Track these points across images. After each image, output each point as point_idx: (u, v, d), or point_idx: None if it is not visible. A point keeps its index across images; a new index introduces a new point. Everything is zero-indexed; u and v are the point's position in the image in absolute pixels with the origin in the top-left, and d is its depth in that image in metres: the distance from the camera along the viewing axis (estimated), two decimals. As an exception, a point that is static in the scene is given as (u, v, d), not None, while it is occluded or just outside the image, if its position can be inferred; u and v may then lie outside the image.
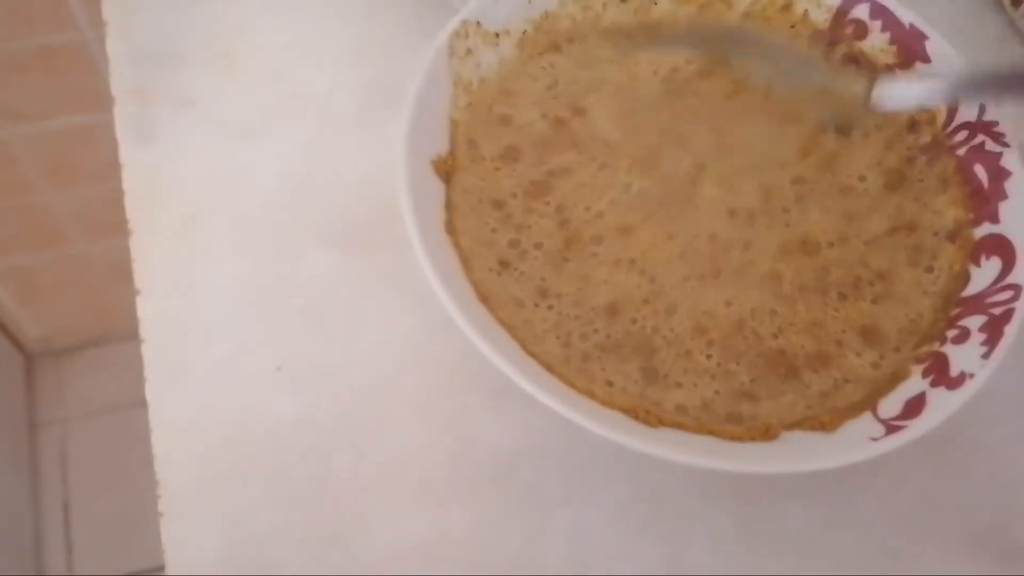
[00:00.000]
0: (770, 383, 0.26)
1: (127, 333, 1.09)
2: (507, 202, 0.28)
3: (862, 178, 0.29)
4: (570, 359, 0.26)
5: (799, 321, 0.27)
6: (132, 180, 0.31)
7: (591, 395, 0.25)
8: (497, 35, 0.30)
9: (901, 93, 0.28)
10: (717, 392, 0.25)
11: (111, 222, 0.91)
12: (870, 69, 0.31)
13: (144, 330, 0.29)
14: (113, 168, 0.86)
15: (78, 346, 1.08)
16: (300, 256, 0.31)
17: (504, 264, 0.27)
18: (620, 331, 0.26)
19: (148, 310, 0.30)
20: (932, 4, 0.37)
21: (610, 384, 0.25)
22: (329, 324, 0.30)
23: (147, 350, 0.29)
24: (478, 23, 0.29)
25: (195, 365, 0.29)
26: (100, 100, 0.77)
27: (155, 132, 0.32)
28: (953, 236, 0.28)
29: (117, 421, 1.06)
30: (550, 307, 0.27)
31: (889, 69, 0.30)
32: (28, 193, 0.85)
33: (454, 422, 0.29)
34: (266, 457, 0.28)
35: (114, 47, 0.33)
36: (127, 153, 0.32)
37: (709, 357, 0.26)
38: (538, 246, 0.27)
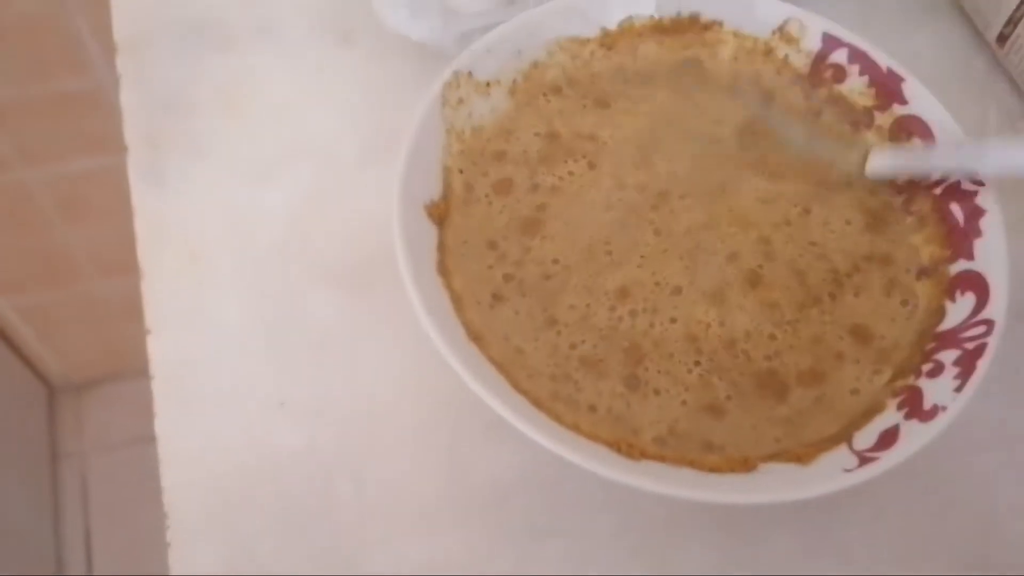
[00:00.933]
0: (749, 401, 0.27)
1: (144, 368, 1.11)
2: (499, 242, 0.29)
3: (848, 222, 0.30)
4: (557, 393, 0.27)
5: (800, 342, 0.28)
6: (143, 224, 0.33)
7: (577, 429, 0.26)
8: (488, 84, 0.31)
9: (894, 163, 0.29)
10: (684, 403, 0.26)
11: (125, 261, 0.92)
12: (850, 111, 0.32)
13: (154, 367, 0.31)
14: (127, 208, 0.88)
15: (97, 380, 1.10)
16: (303, 295, 0.32)
17: (497, 297, 0.28)
18: (611, 333, 0.28)
19: (158, 349, 0.31)
20: (920, 43, 0.39)
21: (593, 410, 0.26)
22: (331, 360, 0.31)
23: (157, 386, 0.31)
24: (469, 73, 0.30)
25: (203, 400, 0.30)
26: (115, 143, 0.79)
27: (166, 178, 0.34)
28: (930, 272, 0.29)
29: (135, 453, 1.07)
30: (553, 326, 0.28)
31: (867, 112, 0.31)
32: (45, 232, 0.88)
33: (449, 453, 0.30)
34: (270, 487, 0.29)
35: (128, 97, 0.35)
36: (139, 198, 0.33)
37: (697, 364, 0.27)
38: (531, 276, 0.29)
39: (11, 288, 0.93)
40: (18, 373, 1.02)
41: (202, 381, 0.31)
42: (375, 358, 0.31)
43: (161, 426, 0.30)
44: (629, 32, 0.32)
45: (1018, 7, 0.36)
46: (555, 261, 0.29)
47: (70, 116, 0.75)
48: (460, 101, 0.30)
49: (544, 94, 0.32)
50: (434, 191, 0.29)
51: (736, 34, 0.33)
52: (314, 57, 0.37)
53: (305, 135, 0.35)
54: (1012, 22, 0.36)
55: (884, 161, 0.30)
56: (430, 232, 0.29)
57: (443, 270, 0.28)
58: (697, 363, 0.27)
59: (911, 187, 0.30)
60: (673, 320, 0.28)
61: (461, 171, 0.30)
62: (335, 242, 0.33)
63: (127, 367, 1.10)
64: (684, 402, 0.27)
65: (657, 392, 0.27)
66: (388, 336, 0.31)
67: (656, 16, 0.32)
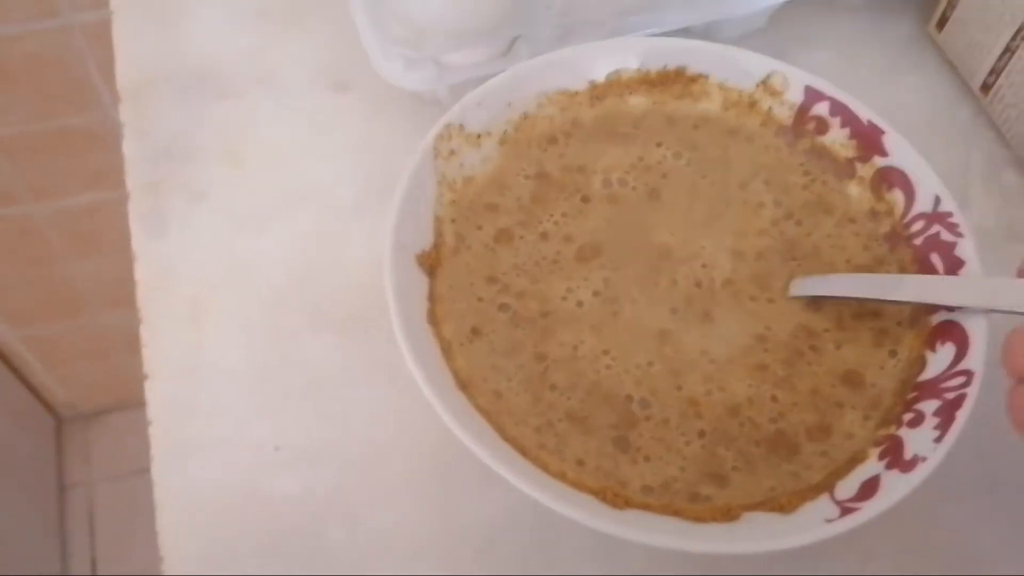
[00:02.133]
0: (760, 465, 0.27)
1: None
2: (500, 277, 0.30)
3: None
4: (544, 443, 0.27)
5: (801, 398, 0.28)
6: (144, 270, 0.34)
7: (563, 477, 0.27)
8: (479, 136, 0.32)
9: (813, 290, 0.30)
10: (682, 469, 0.27)
11: (131, 293, 0.94)
12: (833, 163, 0.32)
13: (152, 412, 0.32)
14: (122, 239, 0.89)
15: (103, 410, 1.11)
16: (300, 341, 0.33)
17: (475, 332, 0.29)
18: (598, 394, 0.28)
19: (155, 393, 0.32)
20: (906, 91, 0.39)
21: (580, 463, 0.27)
22: (326, 406, 0.32)
23: (154, 431, 0.31)
24: (461, 126, 0.31)
25: (199, 445, 0.31)
26: (120, 178, 0.80)
27: (167, 225, 0.35)
28: (912, 322, 0.29)
29: (142, 483, 1.07)
30: (542, 371, 0.28)
31: (849, 163, 0.32)
32: (52, 265, 0.89)
33: (441, 498, 0.31)
34: (264, 531, 0.30)
35: (130, 146, 0.36)
36: (140, 245, 0.34)
37: (701, 434, 0.28)
38: (524, 313, 0.29)
39: (19, 319, 0.94)
40: (26, 403, 1.03)
41: (199, 425, 0.31)
42: (370, 403, 0.32)
43: (157, 470, 0.31)
44: (617, 84, 0.33)
45: (1000, 57, 0.37)
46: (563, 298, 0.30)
47: (76, 152, 0.77)
48: (452, 152, 0.31)
49: (536, 144, 0.33)
50: (426, 241, 0.30)
51: (721, 86, 0.33)
52: (312, 106, 0.37)
53: (303, 182, 0.36)
54: (995, 72, 0.37)
55: (803, 288, 0.30)
56: (421, 281, 0.29)
57: (433, 319, 0.29)
58: (701, 433, 0.28)
59: (894, 237, 0.31)
60: (679, 387, 0.29)
61: (453, 221, 0.31)
62: (332, 288, 0.34)
63: (133, 397, 1.10)
64: (682, 469, 0.27)
65: (648, 459, 0.27)
66: (383, 382, 0.32)
67: (643, 69, 0.33)
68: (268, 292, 0.34)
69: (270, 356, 0.32)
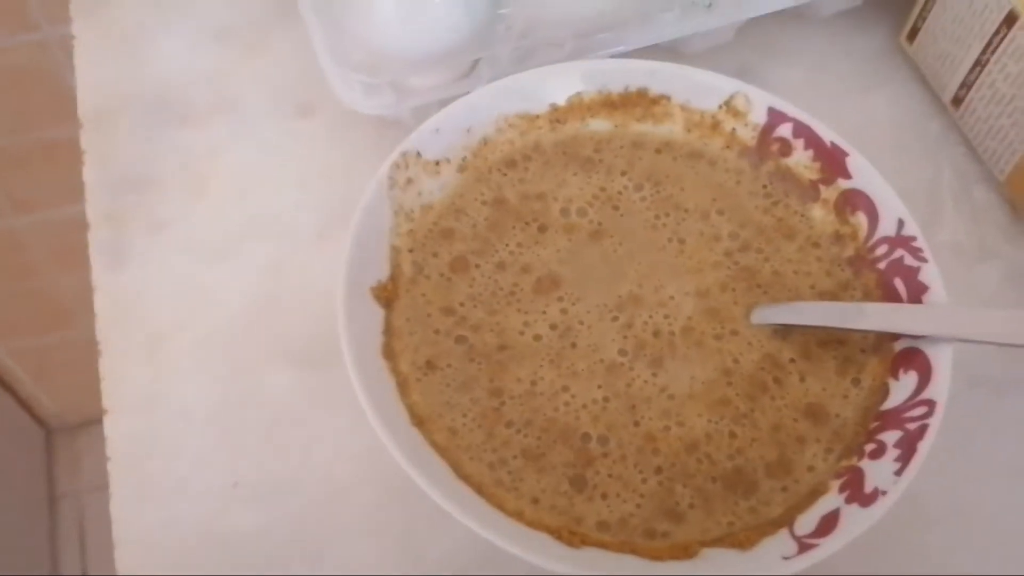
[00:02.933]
0: (717, 502, 0.27)
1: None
2: (457, 309, 0.30)
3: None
4: (501, 480, 0.27)
5: (761, 435, 0.28)
6: (103, 303, 0.33)
7: (520, 515, 0.26)
8: (437, 164, 0.31)
9: (775, 318, 0.30)
10: (639, 506, 0.27)
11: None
12: (797, 185, 0.32)
13: (110, 448, 0.31)
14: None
15: (92, 420, 1.11)
16: (260, 374, 0.32)
17: (431, 365, 0.29)
18: (554, 431, 0.28)
19: (114, 429, 0.31)
20: (876, 105, 0.39)
21: (536, 501, 0.27)
22: (285, 441, 0.31)
23: (112, 468, 0.31)
24: (418, 154, 0.31)
25: (158, 482, 0.31)
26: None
27: (127, 256, 0.34)
28: (876, 349, 0.29)
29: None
30: (497, 406, 0.28)
31: (813, 186, 0.32)
32: (36, 278, 0.89)
33: (403, 534, 0.30)
34: (225, 569, 0.30)
35: (90, 174, 0.36)
36: (99, 277, 0.34)
37: (658, 471, 0.27)
38: (480, 347, 0.29)
39: (5, 331, 0.94)
40: (14, 415, 1.03)
41: (157, 461, 0.31)
42: (331, 439, 0.31)
43: (116, 508, 0.30)
44: (579, 107, 0.33)
45: (971, 70, 0.36)
46: (520, 333, 0.29)
47: (60, 164, 0.76)
48: (409, 181, 0.31)
49: (497, 169, 0.32)
50: (382, 273, 0.30)
51: (684, 108, 0.33)
52: (274, 132, 0.37)
53: (265, 211, 0.35)
54: (966, 85, 0.37)
55: (765, 317, 0.30)
56: (376, 314, 0.29)
57: (389, 353, 0.28)
58: (659, 470, 0.27)
59: (858, 261, 0.31)
60: (636, 423, 0.28)
61: (410, 251, 0.30)
62: (293, 320, 0.33)
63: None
64: (639, 506, 0.27)
65: (605, 496, 0.27)
66: (344, 417, 0.31)
67: (604, 91, 0.33)
68: (228, 325, 0.33)
69: (229, 390, 0.32)
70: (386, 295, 0.29)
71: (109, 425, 0.32)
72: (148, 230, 0.35)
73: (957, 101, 0.37)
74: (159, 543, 0.30)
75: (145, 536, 0.30)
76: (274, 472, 0.31)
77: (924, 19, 0.38)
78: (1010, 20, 0.34)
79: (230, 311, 0.33)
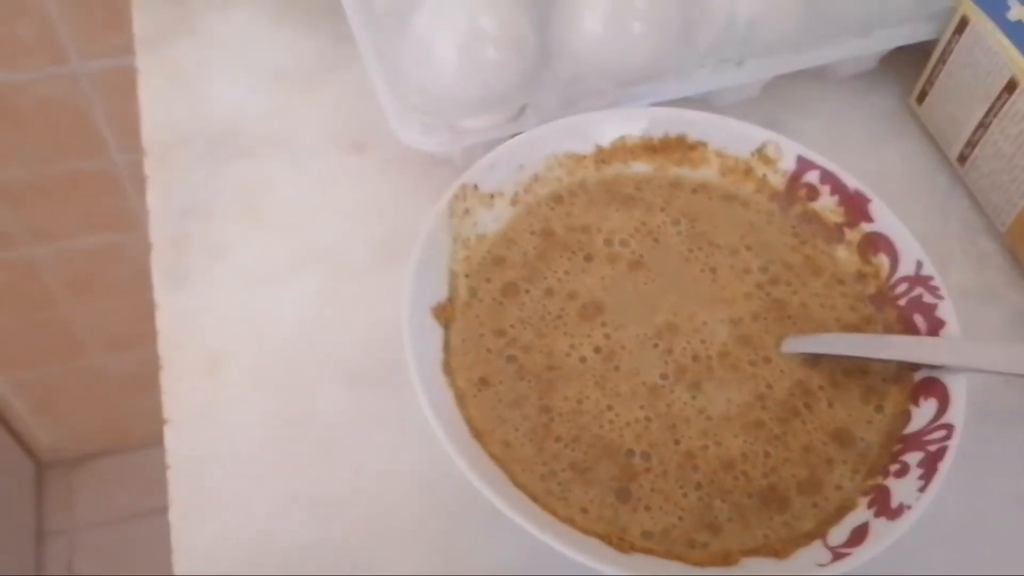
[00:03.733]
0: (753, 517, 0.29)
1: (136, 443, 1.12)
2: (508, 330, 0.32)
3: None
4: (551, 491, 0.29)
5: (793, 455, 0.30)
6: (164, 321, 0.35)
7: (571, 522, 0.28)
8: (492, 196, 0.34)
9: (804, 347, 0.32)
10: (680, 518, 0.28)
11: (127, 335, 0.95)
12: (823, 227, 0.35)
13: (170, 457, 0.33)
14: (132, 284, 0.90)
15: (87, 456, 1.10)
16: (315, 393, 0.34)
17: (484, 382, 0.31)
18: (600, 447, 0.30)
19: (174, 439, 0.33)
20: (888, 160, 0.42)
21: (585, 511, 0.28)
22: (339, 457, 0.33)
23: (172, 476, 0.32)
24: (475, 186, 0.33)
25: (216, 493, 0.32)
26: (123, 221, 0.82)
27: (188, 278, 0.36)
28: (897, 379, 0.31)
29: (124, 532, 1.07)
30: (546, 422, 0.30)
31: (838, 228, 0.34)
32: (50, 307, 0.90)
33: (451, 546, 0.32)
34: (279, 580, 0.31)
35: (154, 201, 0.38)
36: (161, 296, 0.35)
37: (698, 487, 0.29)
38: (530, 367, 0.31)
39: (9, 364, 0.94)
40: (6, 447, 1.02)
41: (215, 473, 0.32)
42: (383, 454, 0.33)
43: (175, 516, 0.32)
44: (622, 150, 0.35)
45: (975, 130, 0.39)
46: (567, 354, 0.31)
47: (80, 195, 0.78)
48: (466, 212, 0.33)
49: (545, 203, 0.35)
50: (441, 294, 0.32)
51: (719, 154, 0.36)
52: (327, 166, 0.39)
53: (319, 239, 0.38)
54: (971, 143, 0.40)
55: (795, 346, 0.32)
56: (436, 333, 0.31)
57: (447, 369, 0.30)
58: (698, 485, 0.29)
59: (880, 298, 0.33)
60: (676, 441, 0.30)
61: (466, 275, 0.33)
62: (344, 342, 0.35)
63: (120, 442, 1.10)
64: (680, 518, 0.29)
65: (648, 508, 0.29)
66: (395, 433, 0.33)
67: (646, 136, 0.35)
68: (285, 345, 0.35)
69: (284, 408, 0.34)
70: (445, 315, 0.31)
71: (169, 437, 0.33)
72: (208, 255, 0.37)
73: (962, 158, 0.40)
74: (216, 553, 0.31)
75: (201, 546, 0.31)
76: (327, 487, 0.32)
77: (932, 83, 0.41)
78: (1011, 86, 0.37)
79: (285, 333, 0.35)
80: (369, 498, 0.32)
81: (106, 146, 0.75)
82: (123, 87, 0.69)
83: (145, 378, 1.00)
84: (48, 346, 0.94)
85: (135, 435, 1.09)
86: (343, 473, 0.33)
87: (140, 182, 0.74)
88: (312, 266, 0.37)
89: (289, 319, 0.36)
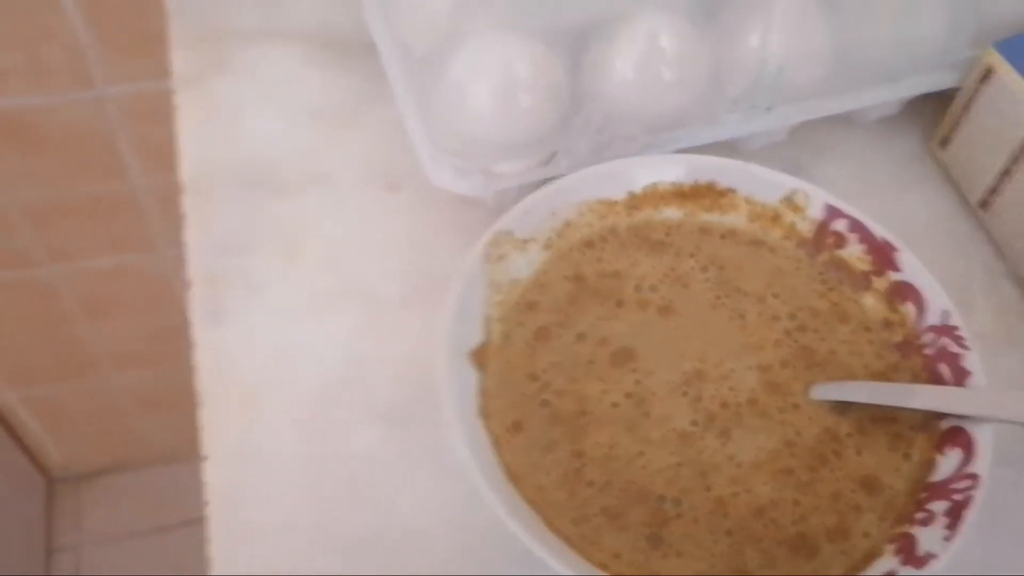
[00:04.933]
0: (783, 565, 0.29)
1: (145, 461, 1.12)
2: (540, 375, 0.32)
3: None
4: (584, 535, 0.29)
5: (822, 503, 0.30)
6: (203, 357, 0.36)
7: (604, 567, 0.29)
8: (525, 242, 0.34)
9: (834, 394, 0.33)
10: (711, 566, 0.29)
11: (140, 354, 0.96)
12: (850, 274, 0.35)
13: (209, 493, 0.33)
14: (146, 305, 0.91)
15: (97, 472, 1.11)
16: (349, 430, 0.35)
17: (516, 426, 0.31)
18: (631, 492, 0.30)
19: (213, 475, 0.33)
20: (911, 206, 0.43)
21: (617, 556, 0.29)
22: (370, 493, 0.34)
23: (210, 512, 0.33)
24: (509, 232, 0.34)
25: (252, 528, 0.33)
26: (140, 243, 0.83)
27: (225, 314, 0.37)
28: (924, 427, 0.32)
29: (131, 548, 1.07)
30: (579, 467, 0.30)
31: (865, 276, 0.35)
32: (66, 326, 0.91)
33: (481, 584, 0.32)
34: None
35: (192, 237, 0.38)
36: (199, 333, 0.36)
37: (729, 534, 0.30)
38: (562, 411, 0.32)
39: (23, 379, 0.95)
40: (17, 462, 1.03)
41: (252, 509, 0.33)
42: (413, 491, 0.33)
43: (214, 550, 0.32)
44: (652, 196, 0.36)
45: (998, 177, 0.40)
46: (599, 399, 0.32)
47: (100, 217, 0.79)
48: (500, 257, 0.34)
49: (577, 248, 0.35)
50: (476, 338, 0.32)
51: (748, 200, 0.36)
52: (362, 204, 0.40)
53: (354, 276, 0.38)
54: (993, 190, 0.40)
55: (824, 393, 0.33)
56: (472, 376, 0.32)
57: (484, 413, 0.31)
58: (729, 532, 0.30)
59: (906, 346, 0.34)
60: (707, 488, 0.31)
61: (500, 320, 0.33)
62: (378, 380, 0.36)
63: (130, 459, 1.11)
64: (711, 565, 0.29)
65: (680, 555, 0.29)
66: (428, 471, 0.34)
67: (677, 182, 0.36)
68: (320, 382, 0.36)
69: (319, 443, 0.34)
70: (480, 359, 0.32)
71: (208, 472, 0.34)
72: (245, 291, 0.37)
73: (984, 204, 0.41)
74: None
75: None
76: (359, 522, 0.33)
77: (955, 130, 0.42)
78: (1034, 135, 0.38)
79: (321, 370, 0.36)
80: (401, 534, 0.33)
81: (127, 170, 0.76)
82: (146, 112, 0.71)
83: (156, 397, 1.02)
84: (62, 363, 0.95)
85: (145, 453, 1.10)
86: (375, 509, 0.33)
87: (160, 205, 0.75)
88: (346, 303, 0.38)
89: (324, 355, 0.36)
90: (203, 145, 0.41)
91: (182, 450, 1.10)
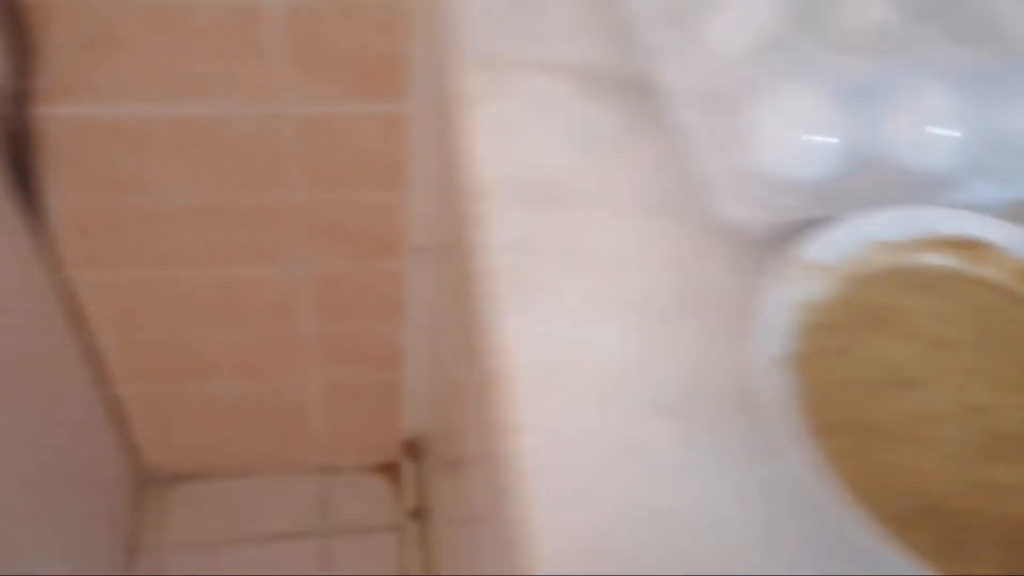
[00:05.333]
0: None
1: (234, 471, 1.13)
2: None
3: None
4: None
5: None
6: (500, 340, 0.40)
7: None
8: (818, 269, 0.39)
9: None
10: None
11: (249, 363, 0.98)
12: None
13: (527, 461, 0.37)
14: (266, 316, 0.93)
15: (187, 476, 1.12)
16: (632, 422, 0.38)
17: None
18: None
19: (527, 442, 0.37)
20: None
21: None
22: (658, 473, 0.37)
23: (524, 479, 0.36)
24: (805, 259, 0.38)
25: (558, 492, 0.36)
26: (274, 255, 0.86)
27: (512, 308, 0.41)
28: None
29: (212, 557, 1.08)
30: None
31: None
32: (190, 329, 0.93)
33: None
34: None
35: (484, 236, 0.43)
36: (494, 319, 0.40)
37: None
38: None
39: (140, 376, 0.97)
40: (114, 458, 1.04)
41: (558, 475, 0.36)
42: (697, 475, 0.37)
43: (534, 514, 0.35)
44: (930, 242, 0.40)
45: None
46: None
47: (246, 226, 0.83)
48: (797, 280, 0.38)
49: (863, 279, 0.39)
50: (779, 349, 0.36)
51: (1019, 260, 0.40)
52: (632, 224, 0.44)
53: (628, 287, 0.42)
54: None
55: None
56: (783, 382, 0.35)
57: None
58: None
59: None
60: None
61: (797, 337, 0.37)
62: (654, 379, 0.39)
63: (219, 467, 1.12)
64: None
65: None
66: (711, 460, 0.37)
67: (952, 234, 0.40)
68: (605, 375, 0.39)
69: (607, 434, 0.38)
70: (787, 369, 0.36)
71: (523, 442, 0.37)
72: (526, 288, 0.41)
73: None
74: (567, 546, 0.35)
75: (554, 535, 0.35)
76: (655, 499, 0.36)
77: None
78: None
79: (605, 364, 0.40)
80: (691, 514, 0.36)
81: (283, 185, 0.80)
82: (317, 132, 0.75)
83: (254, 408, 1.04)
84: (178, 365, 0.98)
85: (235, 462, 1.12)
86: (666, 489, 0.37)
87: (303, 220, 0.78)
88: (625, 310, 0.41)
89: (608, 351, 0.40)
90: (492, 157, 0.46)
91: (269, 464, 1.12)
